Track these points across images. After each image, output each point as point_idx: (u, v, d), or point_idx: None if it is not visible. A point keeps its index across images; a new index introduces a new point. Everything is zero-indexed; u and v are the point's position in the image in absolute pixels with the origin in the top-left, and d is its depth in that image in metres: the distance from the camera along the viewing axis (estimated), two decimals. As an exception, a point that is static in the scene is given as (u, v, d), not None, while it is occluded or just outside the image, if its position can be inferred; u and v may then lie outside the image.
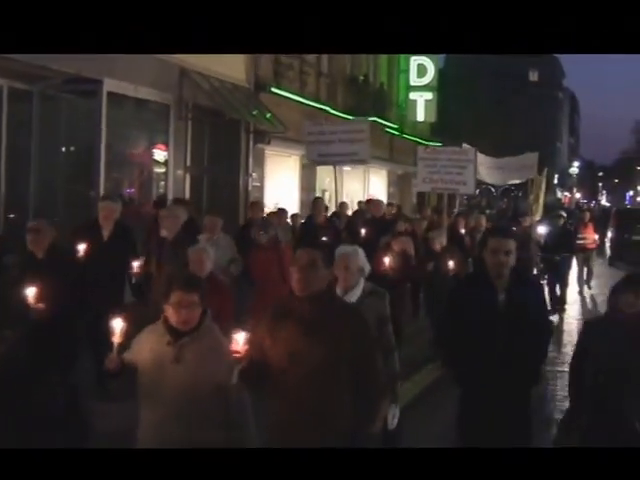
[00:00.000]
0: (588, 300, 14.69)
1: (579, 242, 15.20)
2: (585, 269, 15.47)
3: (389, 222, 11.36)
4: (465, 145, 13.88)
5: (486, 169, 16.53)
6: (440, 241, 9.02)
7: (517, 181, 19.64)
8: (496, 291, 4.16)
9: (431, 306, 9.18)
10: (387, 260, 8.04)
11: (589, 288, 15.36)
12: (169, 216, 6.87)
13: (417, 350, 8.50)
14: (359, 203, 16.93)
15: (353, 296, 4.44)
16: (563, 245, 12.90)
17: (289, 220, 11.37)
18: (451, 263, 8.17)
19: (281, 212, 10.69)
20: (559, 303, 12.77)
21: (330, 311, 3.32)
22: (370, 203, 13.35)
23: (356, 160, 11.40)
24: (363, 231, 10.18)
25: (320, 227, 9.60)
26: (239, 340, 3.14)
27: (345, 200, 14.61)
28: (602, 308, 13.11)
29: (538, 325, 4.22)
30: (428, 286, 8.93)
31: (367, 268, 4.61)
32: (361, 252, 4.60)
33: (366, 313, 4.21)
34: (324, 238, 8.65)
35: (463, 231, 11.21)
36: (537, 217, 15.98)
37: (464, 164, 11.12)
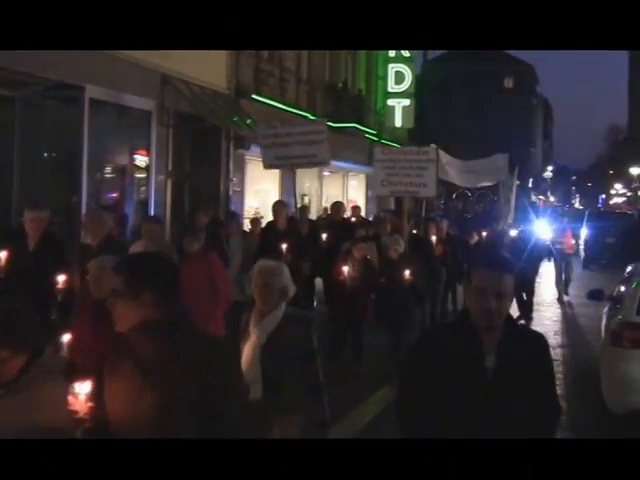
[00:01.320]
0: (565, 302, 14.79)
1: (557, 247, 15.43)
2: (563, 275, 15.29)
3: (352, 226, 10.95)
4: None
5: (457, 171, 16.40)
6: (395, 248, 8.18)
7: (489, 183, 19.25)
8: (482, 350, 2.78)
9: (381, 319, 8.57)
10: (346, 268, 7.65)
11: (566, 294, 15.21)
12: (94, 221, 6.15)
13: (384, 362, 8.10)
14: (324, 209, 16.78)
15: (271, 322, 3.77)
16: (525, 250, 12.15)
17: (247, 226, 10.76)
18: (407, 272, 7.65)
19: (233, 217, 9.75)
20: (526, 311, 12.30)
21: (170, 345, 2.51)
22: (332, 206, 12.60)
23: (315, 162, 10.61)
24: (324, 236, 9.70)
25: (281, 233, 8.86)
26: (80, 395, 2.43)
27: (309, 203, 14.36)
28: (578, 310, 13.56)
29: (542, 403, 2.85)
30: (381, 297, 8.19)
31: (292, 290, 3.89)
32: (286, 270, 3.91)
33: (287, 344, 3.71)
34: (284, 245, 8.07)
35: (434, 238, 10.72)
36: (509, 220, 16.13)
37: (424, 165, 10.32)
